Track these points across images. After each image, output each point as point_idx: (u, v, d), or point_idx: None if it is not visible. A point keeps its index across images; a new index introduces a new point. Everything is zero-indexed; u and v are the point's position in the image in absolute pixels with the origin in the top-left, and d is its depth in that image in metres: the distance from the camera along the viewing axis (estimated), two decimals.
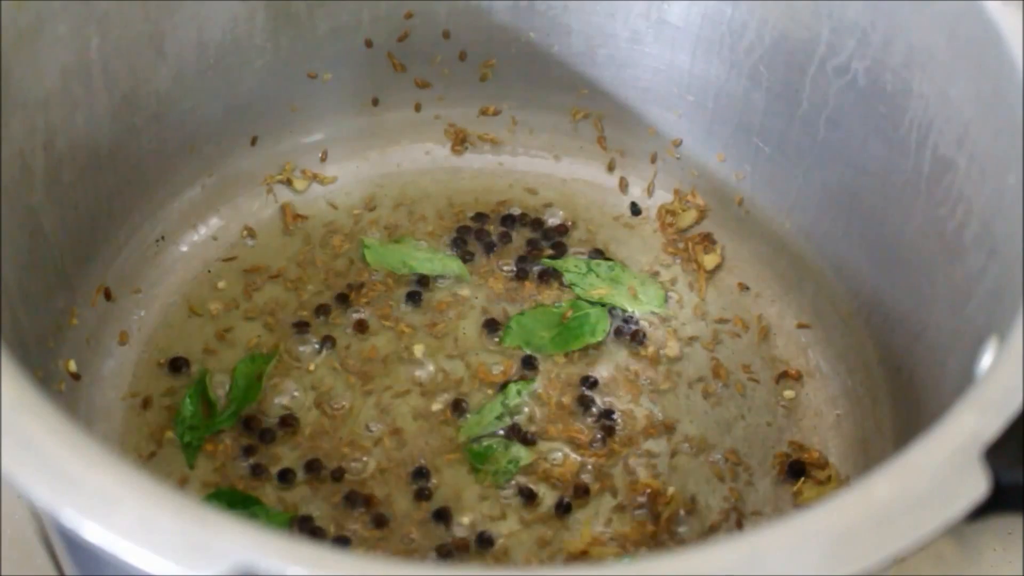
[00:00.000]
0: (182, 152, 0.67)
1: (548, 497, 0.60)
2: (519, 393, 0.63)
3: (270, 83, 0.68)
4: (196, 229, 0.69)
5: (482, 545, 0.58)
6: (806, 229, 0.68)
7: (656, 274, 0.69)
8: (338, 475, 0.60)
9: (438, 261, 0.68)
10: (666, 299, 0.68)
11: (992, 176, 0.53)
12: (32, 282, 0.56)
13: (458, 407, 0.63)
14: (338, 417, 0.62)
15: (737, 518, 0.60)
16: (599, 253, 0.70)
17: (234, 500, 0.59)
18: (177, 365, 0.63)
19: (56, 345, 0.60)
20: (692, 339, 0.66)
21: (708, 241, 0.70)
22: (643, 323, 0.67)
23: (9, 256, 0.53)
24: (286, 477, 0.60)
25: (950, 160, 0.56)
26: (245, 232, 0.70)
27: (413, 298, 0.67)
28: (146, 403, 0.62)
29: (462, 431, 0.62)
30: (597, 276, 0.68)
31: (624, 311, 0.67)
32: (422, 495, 0.59)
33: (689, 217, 0.71)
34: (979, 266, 0.52)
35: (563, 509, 0.59)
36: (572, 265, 0.68)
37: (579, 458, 0.61)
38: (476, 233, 0.70)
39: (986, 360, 0.46)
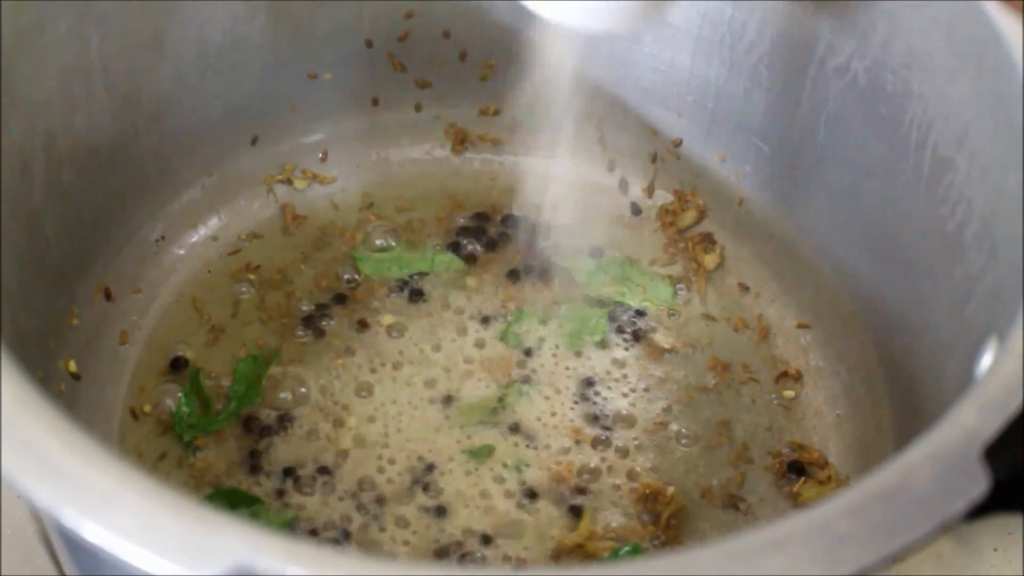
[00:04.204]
0: (182, 152, 0.67)
1: (547, 496, 0.60)
2: (519, 392, 0.63)
3: (270, 83, 0.68)
4: (196, 229, 0.69)
5: (481, 544, 0.58)
6: (806, 229, 0.68)
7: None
8: (338, 474, 0.60)
9: (431, 258, 0.68)
10: (675, 294, 0.68)
11: (992, 176, 0.53)
12: (32, 282, 0.56)
13: (458, 407, 0.63)
14: (338, 416, 0.62)
15: (736, 512, 0.60)
16: (599, 252, 0.70)
17: (234, 500, 0.59)
18: (177, 365, 0.63)
19: (56, 345, 0.60)
20: (692, 339, 0.66)
21: (708, 241, 0.70)
22: (643, 322, 0.67)
23: (9, 256, 0.53)
24: (287, 477, 0.60)
25: (950, 160, 0.56)
26: (245, 232, 0.70)
27: (413, 297, 0.67)
28: (146, 403, 0.62)
29: (455, 420, 0.62)
30: (606, 274, 0.68)
31: (630, 307, 0.67)
32: (422, 494, 0.59)
33: (689, 217, 0.71)
34: (979, 266, 0.52)
35: (562, 508, 0.59)
36: (581, 263, 0.68)
37: (579, 457, 0.61)
38: (476, 233, 0.70)
39: (986, 360, 0.46)
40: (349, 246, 0.69)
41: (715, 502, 0.60)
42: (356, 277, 0.68)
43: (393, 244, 0.69)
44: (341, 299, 0.67)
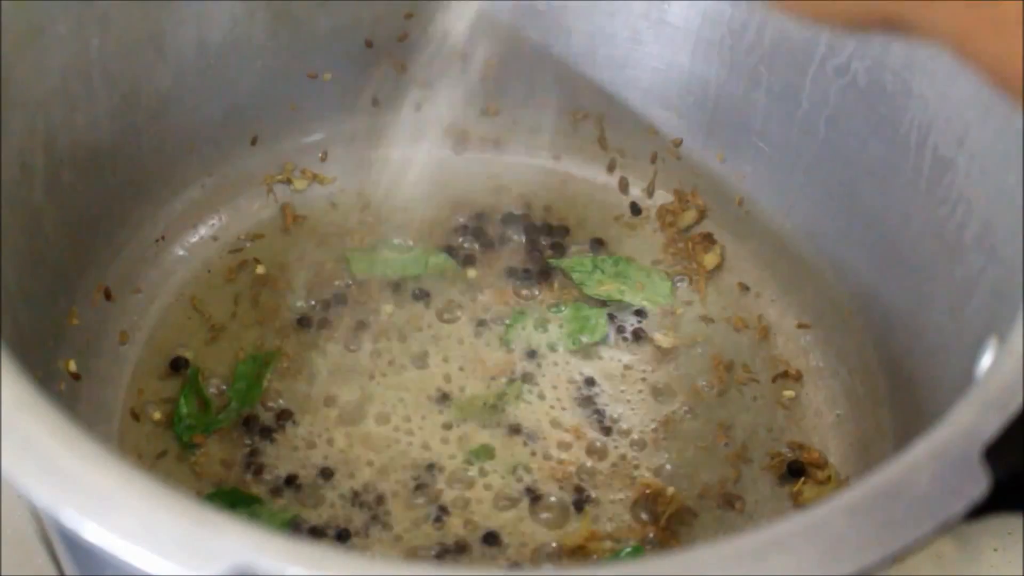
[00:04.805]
0: (182, 152, 0.67)
1: (548, 496, 0.60)
2: (519, 392, 0.63)
3: (270, 83, 0.68)
4: (196, 229, 0.69)
5: (482, 544, 0.58)
6: (806, 229, 0.68)
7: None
8: (338, 474, 0.60)
9: (424, 261, 0.68)
10: (674, 289, 0.68)
11: (992, 176, 0.53)
12: (32, 282, 0.56)
13: (459, 406, 0.63)
14: (339, 416, 0.62)
15: (735, 511, 0.60)
16: (600, 244, 0.70)
17: (234, 500, 0.59)
18: (177, 365, 0.63)
19: (56, 345, 0.60)
20: (692, 339, 0.66)
21: (708, 241, 0.70)
22: (643, 323, 0.67)
23: (9, 256, 0.53)
24: (287, 477, 0.60)
25: (950, 160, 0.56)
26: (245, 232, 0.70)
27: (413, 297, 0.67)
28: (146, 403, 0.62)
29: (453, 414, 0.62)
30: (603, 272, 0.68)
31: (630, 305, 0.67)
32: (422, 494, 0.59)
33: (689, 217, 0.71)
34: (979, 266, 0.52)
35: (563, 508, 0.59)
36: (577, 264, 0.68)
37: (579, 457, 0.61)
38: (476, 233, 0.70)
39: (986, 360, 0.46)
40: (349, 246, 0.69)
41: (714, 502, 0.60)
42: (357, 278, 0.68)
43: (394, 244, 0.69)
44: (341, 299, 0.67)
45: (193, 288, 0.67)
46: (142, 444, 0.61)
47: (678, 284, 0.69)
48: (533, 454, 0.61)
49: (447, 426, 0.62)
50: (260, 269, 0.68)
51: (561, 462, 0.61)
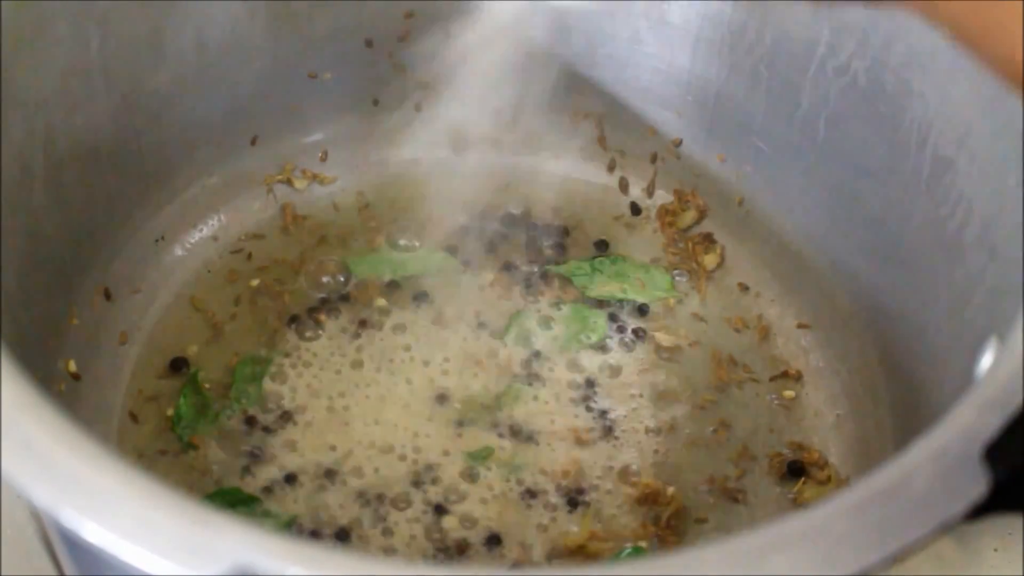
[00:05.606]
0: (182, 152, 0.67)
1: (548, 496, 0.60)
2: (519, 393, 0.63)
3: (270, 83, 0.68)
4: (196, 229, 0.69)
5: (482, 545, 0.58)
6: (806, 229, 0.68)
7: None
8: (338, 474, 0.60)
9: (424, 259, 0.68)
10: (673, 282, 0.68)
11: (992, 176, 0.53)
12: (32, 282, 0.56)
13: (459, 406, 0.63)
14: (339, 416, 0.62)
15: (735, 511, 0.60)
16: (600, 244, 0.70)
17: (234, 500, 0.59)
18: (177, 365, 0.64)
19: (56, 345, 0.60)
20: (692, 339, 0.66)
21: (708, 241, 0.70)
22: (643, 323, 0.67)
23: (9, 256, 0.53)
24: (287, 477, 0.60)
25: (950, 160, 0.56)
26: (245, 232, 0.70)
27: (413, 298, 0.67)
28: (146, 403, 0.62)
29: (452, 414, 0.62)
30: (603, 273, 0.68)
31: (631, 308, 0.67)
32: (422, 494, 0.59)
33: (689, 217, 0.71)
34: (979, 266, 0.52)
35: (563, 509, 0.59)
36: (576, 268, 0.68)
37: (579, 457, 0.61)
38: (476, 233, 0.70)
39: (986, 360, 0.46)
40: (348, 246, 0.69)
41: (715, 502, 0.60)
42: (357, 277, 0.68)
43: (394, 244, 0.69)
44: (341, 299, 0.67)
45: (193, 288, 0.67)
46: (142, 444, 0.61)
47: (677, 278, 0.69)
48: (533, 455, 0.61)
49: (447, 426, 0.62)
50: (260, 269, 0.68)
51: (560, 463, 0.61)
